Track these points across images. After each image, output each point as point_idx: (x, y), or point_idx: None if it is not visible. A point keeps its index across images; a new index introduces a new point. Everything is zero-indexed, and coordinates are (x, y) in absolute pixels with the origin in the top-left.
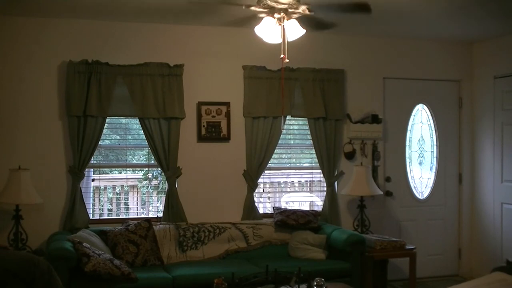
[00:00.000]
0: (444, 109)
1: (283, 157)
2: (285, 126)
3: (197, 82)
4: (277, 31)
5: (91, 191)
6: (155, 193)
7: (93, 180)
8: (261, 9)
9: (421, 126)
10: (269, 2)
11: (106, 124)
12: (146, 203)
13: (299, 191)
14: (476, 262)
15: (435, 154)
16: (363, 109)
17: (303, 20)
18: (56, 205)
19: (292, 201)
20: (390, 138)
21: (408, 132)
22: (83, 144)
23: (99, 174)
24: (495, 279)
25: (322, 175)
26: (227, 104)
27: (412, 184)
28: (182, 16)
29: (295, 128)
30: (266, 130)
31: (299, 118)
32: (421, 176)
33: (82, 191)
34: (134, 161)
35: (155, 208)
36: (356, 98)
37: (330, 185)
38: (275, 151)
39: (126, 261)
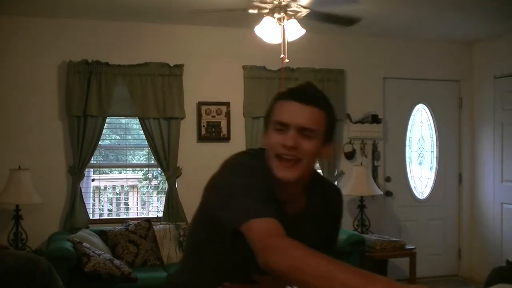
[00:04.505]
0: (444, 109)
1: None
2: None
3: (197, 82)
4: (277, 31)
5: (91, 191)
6: (155, 193)
7: (93, 180)
8: (255, 11)
9: (421, 126)
10: (257, 4)
11: (106, 124)
12: (146, 203)
13: None
14: (476, 262)
15: (435, 154)
16: (363, 109)
17: (324, 19)
18: (56, 205)
19: None
20: (390, 138)
21: (408, 132)
22: (83, 144)
23: (99, 174)
24: None
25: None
26: (227, 104)
27: (412, 184)
28: (182, 16)
29: None
30: None
31: None
32: (421, 176)
33: (82, 191)
34: (134, 161)
35: (155, 208)
36: (356, 98)
37: None
38: None
39: (126, 261)
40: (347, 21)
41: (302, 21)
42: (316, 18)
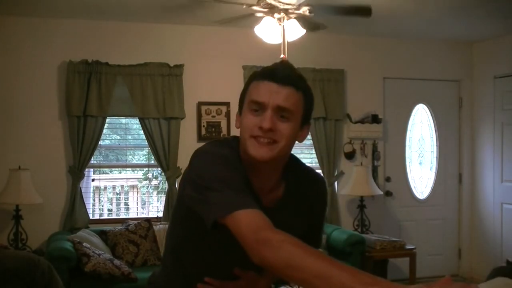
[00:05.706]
0: (444, 109)
1: None
2: None
3: (197, 82)
4: (277, 31)
5: (91, 191)
6: (155, 193)
7: (93, 180)
8: (261, 9)
9: (421, 126)
10: (272, 2)
11: (106, 124)
12: (146, 203)
13: None
14: (476, 262)
15: (435, 154)
16: (363, 109)
17: (335, 12)
18: (56, 205)
19: None
20: (390, 138)
21: (408, 132)
22: (83, 144)
23: (99, 174)
24: (498, 285)
25: (322, 175)
26: (227, 104)
27: (412, 184)
28: (182, 16)
29: None
30: None
31: None
32: (421, 176)
33: (82, 191)
34: (134, 161)
35: (155, 208)
36: (356, 98)
37: (330, 185)
38: None
39: (126, 261)
40: (361, 11)
41: (305, 20)
42: (326, 12)
